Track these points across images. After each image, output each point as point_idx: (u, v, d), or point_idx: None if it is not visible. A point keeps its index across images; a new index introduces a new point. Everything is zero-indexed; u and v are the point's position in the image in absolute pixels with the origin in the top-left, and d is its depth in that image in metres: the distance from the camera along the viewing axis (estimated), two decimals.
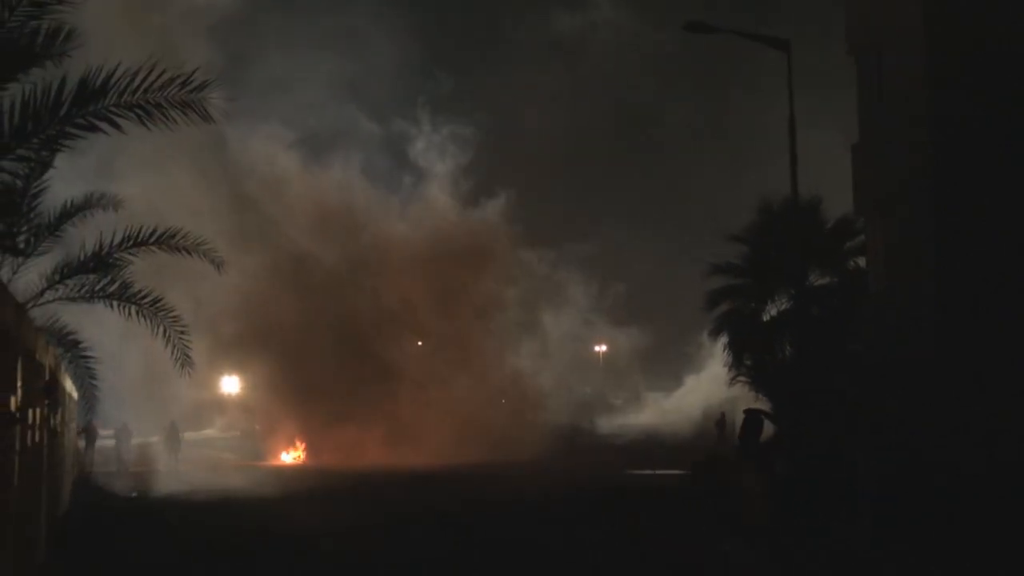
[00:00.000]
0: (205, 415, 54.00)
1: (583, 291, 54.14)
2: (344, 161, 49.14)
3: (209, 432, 56.30)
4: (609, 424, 58.83)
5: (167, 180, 41.06)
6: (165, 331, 16.46)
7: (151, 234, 16.05)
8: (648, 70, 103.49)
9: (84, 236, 16.48)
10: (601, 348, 71.90)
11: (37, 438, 10.54)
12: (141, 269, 16.75)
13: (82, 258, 15.89)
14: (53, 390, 12.59)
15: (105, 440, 38.75)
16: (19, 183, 13.65)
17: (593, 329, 59.84)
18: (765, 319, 28.53)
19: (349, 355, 44.67)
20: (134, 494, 27.54)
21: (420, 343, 49.61)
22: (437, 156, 50.97)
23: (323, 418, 43.32)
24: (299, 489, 28.52)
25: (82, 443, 35.16)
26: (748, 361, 28.46)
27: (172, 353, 16.66)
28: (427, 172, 51.30)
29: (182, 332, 16.64)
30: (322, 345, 44.28)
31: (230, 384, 51.11)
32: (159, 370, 25.75)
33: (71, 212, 16.52)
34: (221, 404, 52.41)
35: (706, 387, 52.54)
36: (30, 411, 9.34)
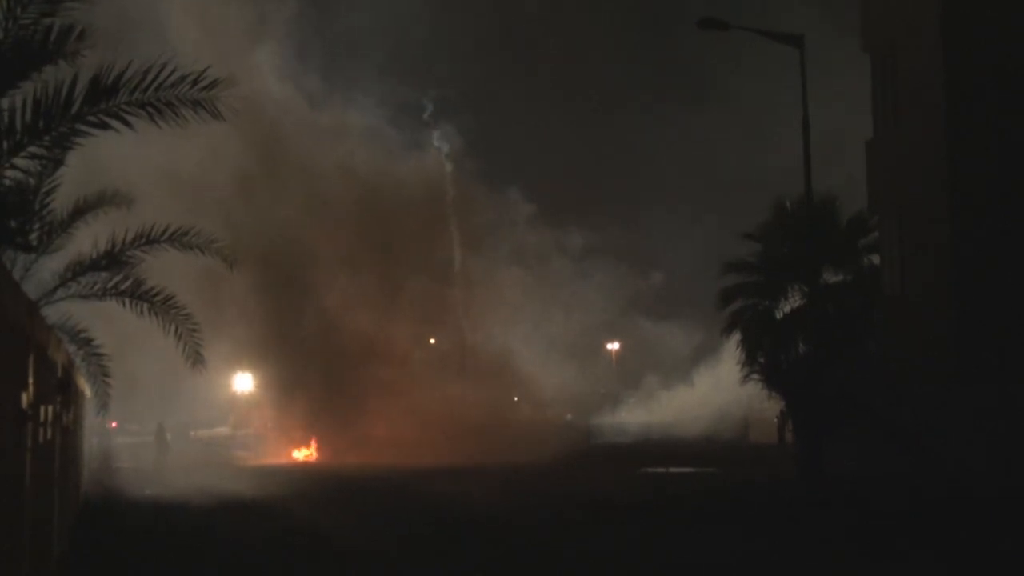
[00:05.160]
0: (219, 413, 54.06)
1: (602, 282, 52.96)
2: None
3: (222, 430, 56.36)
4: (621, 421, 58.37)
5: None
6: (177, 329, 16.48)
7: (163, 231, 16.10)
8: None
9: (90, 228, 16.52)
10: (614, 346, 71.34)
11: (49, 436, 10.53)
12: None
13: (94, 256, 15.93)
14: (66, 388, 12.58)
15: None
16: (31, 180, 13.69)
17: (612, 322, 59.02)
18: (778, 316, 28.43)
19: (357, 352, 44.57)
20: (146, 491, 27.53)
21: (433, 340, 49.53)
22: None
23: (333, 416, 43.26)
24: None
25: None
26: (761, 359, 28.36)
27: (183, 351, 16.67)
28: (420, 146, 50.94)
29: (194, 329, 16.63)
30: (329, 344, 44.25)
31: (243, 382, 51.12)
32: (170, 368, 25.57)
33: (84, 209, 16.56)
34: (234, 401, 52.44)
35: (724, 384, 52.29)
36: (42, 408, 9.33)
